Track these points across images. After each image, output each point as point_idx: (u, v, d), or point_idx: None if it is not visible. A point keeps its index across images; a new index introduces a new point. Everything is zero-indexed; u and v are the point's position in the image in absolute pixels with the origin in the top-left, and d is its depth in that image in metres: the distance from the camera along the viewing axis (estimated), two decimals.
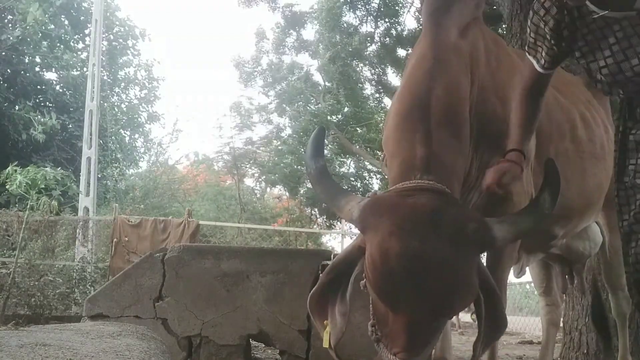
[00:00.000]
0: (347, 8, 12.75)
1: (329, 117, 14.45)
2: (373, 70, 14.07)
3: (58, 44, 14.59)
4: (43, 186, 6.54)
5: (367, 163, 15.51)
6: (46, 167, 8.01)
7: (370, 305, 1.64)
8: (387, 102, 14.67)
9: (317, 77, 15.12)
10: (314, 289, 1.66)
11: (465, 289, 1.47)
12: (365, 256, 1.53)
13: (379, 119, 14.32)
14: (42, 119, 12.51)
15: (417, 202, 1.52)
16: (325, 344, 1.65)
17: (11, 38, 13.31)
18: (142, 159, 18.53)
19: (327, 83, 14.52)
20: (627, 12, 1.48)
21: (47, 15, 13.76)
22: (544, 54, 1.75)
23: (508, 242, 1.57)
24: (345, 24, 13.00)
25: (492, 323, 1.62)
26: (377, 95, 14.92)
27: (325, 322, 1.64)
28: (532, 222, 1.58)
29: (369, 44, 13.03)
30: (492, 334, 1.65)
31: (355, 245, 1.62)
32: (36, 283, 5.84)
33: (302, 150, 15.09)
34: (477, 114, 1.92)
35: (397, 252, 1.42)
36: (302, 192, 15.23)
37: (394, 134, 1.82)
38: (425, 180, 1.60)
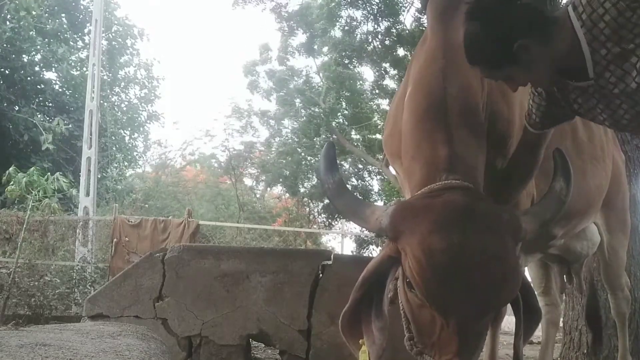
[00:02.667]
0: (348, 7, 12.72)
1: (329, 118, 14.44)
2: (375, 70, 14.05)
3: (57, 43, 14.59)
4: (41, 191, 6.55)
5: (366, 163, 15.51)
6: (45, 167, 8.02)
7: (403, 320, 1.59)
8: (383, 102, 14.70)
9: (317, 78, 15.12)
10: (345, 308, 1.59)
11: (514, 278, 1.46)
12: (403, 263, 1.50)
13: (378, 119, 14.32)
14: (48, 125, 12.31)
15: (449, 199, 1.51)
16: None
17: (6, 32, 13.24)
18: (141, 159, 18.56)
19: (326, 83, 14.48)
20: (588, 82, 1.54)
21: (41, 9, 13.69)
22: (536, 118, 1.80)
23: (534, 233, 1.57)
24: (346, 23, 12.97)
25: (531, 315, 1.63)
26: (376, 95, 14.91)
27: (360, 341, 1.58)
28: (553, 212, 1.61)
29: (369, 44, 13.00)
30: (532, 326, 1.66)
31: (384, 255, 1.57)
32: (36, 283, 5.84)
33: (301, 151, 15.10)
34: (486, 114, 1.93)
35: (442, 248, 1.39)
36: (302, 191, 15.23)
37: (412, 135, 1.80)
38: (451, 180, 1.60)
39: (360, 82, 14.75)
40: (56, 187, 6.94)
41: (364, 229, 1.70)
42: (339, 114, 14.86)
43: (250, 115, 16.00)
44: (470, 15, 1.52)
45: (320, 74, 14.72)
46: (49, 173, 7.28)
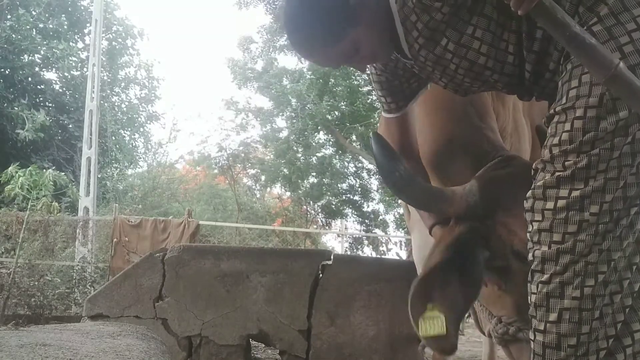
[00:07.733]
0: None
1: (327, 116, 14.40)
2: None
3: (57, 43, 14.59)
4: (42, 190, 6.53)
5: (365, 162, 15.49)
6: (45, 167, 8.01)
7: (482, 309, 1.58)
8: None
9: (313, 77, 15.01)
10: (428, 269, 1.48)
11: None
12: (503, 237, 1.46)
13: (377, 117, 14.29)
14: (32, 117, 12.26)
15: (523, 162, 1.59)
16: (425, 332, 1.44)
17: (5, 30, 13.22)
18: (141, 159, 18.57)
19: (321, 80, 14.41)
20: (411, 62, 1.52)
21: (40, 7, 13.68)
22: (387, 101, 1.73)
23: None
24: None
25: None
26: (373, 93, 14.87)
27: (429, 305, 1.46)
28: None
29: None
30: None
31: (464, 229, 1.50)
32: (36, 283, 5.84)
33: (300, 149, 15.05)
34: None
35: None
36: (301, 191, 15.22)
37: (440, 126, 1.81)
38: (502, 153, 1.66)
39: (355, 79, 14.65)
40: (54, 184, 6.91)
41: (443, 214, 1.60)
42: (335, 112, 14.77)
43: (247, 112, 15.93)
44: None
45: (314, 71, 14.60)
46: (44, 170, 7.26)
